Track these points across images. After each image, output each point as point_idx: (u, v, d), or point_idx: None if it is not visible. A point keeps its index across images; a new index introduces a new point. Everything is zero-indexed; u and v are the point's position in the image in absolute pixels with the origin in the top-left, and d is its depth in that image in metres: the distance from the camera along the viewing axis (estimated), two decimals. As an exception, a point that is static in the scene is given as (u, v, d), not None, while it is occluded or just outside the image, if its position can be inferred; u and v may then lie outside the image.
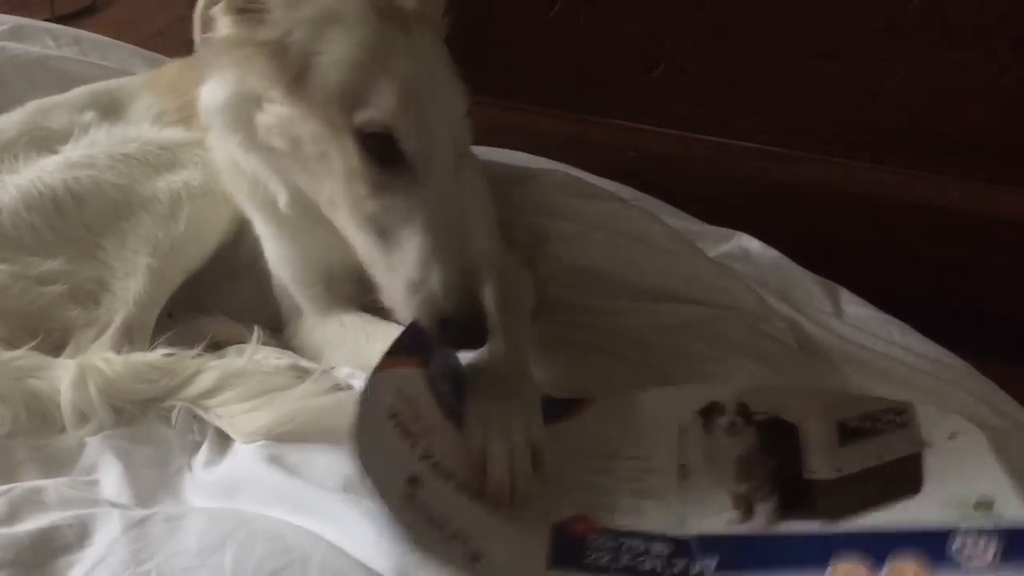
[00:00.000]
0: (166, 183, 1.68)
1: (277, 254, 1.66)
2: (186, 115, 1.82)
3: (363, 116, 1.33)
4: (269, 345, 1.63)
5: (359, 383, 1.50)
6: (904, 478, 1.19)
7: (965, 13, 2.00)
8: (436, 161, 1.35)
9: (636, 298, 1.74)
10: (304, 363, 1.56)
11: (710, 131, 2.26)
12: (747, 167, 2.23)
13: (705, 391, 1.36)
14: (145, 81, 1.96)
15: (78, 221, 1.65)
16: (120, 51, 2.48)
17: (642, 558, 1.16)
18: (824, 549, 1.13)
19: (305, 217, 1.53)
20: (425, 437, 1.21)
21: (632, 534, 1.19)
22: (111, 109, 1.86)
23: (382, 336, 1.49)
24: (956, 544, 1.10)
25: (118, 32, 2.69)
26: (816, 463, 1.24)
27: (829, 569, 1.11)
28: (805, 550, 1.14)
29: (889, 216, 2.15)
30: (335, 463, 1.30)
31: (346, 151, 1.36)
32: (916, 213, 2.12)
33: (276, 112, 1.41)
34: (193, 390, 1.48)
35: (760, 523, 1.19)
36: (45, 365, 1.52)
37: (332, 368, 1.56)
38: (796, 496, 1.21)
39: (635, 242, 1.86)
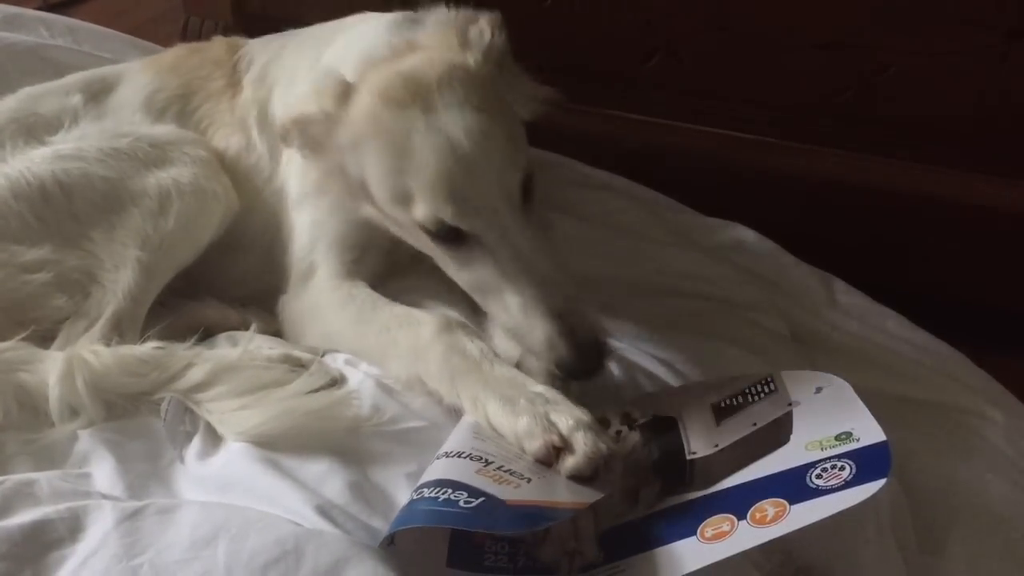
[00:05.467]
0: (156, 179, 1.68)
1: (320, 222, 1.66)
2: (185, 92, 1.83)
3: (414, 216, 1.40)
4: (259, 327, 1.64)
5: (353, 374, 1.50)
6: (775, 436, 1.25)
7: (961, 3, 2.00)
8: (493, 227, 1.37)
9: (631, 292, 1.74)
10: (297, 353, 1.55)
11: (705, 121, 2.25)
12: (743, 158, 2.22)
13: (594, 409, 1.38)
14: (144, 63, 1.96)
15: (66, 211, 1.65)
16: (113, 40, 2.47)
17: (538, 560, 1.21)
18: (695, 513, 1.19)
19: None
20: None
21: (526, 541, 1.23)
22: (101, 91, 1.86)
23: (381, 321, 1.51)
24: (815, 474, 1.15)
25: (111, 20, 2.68)
26: (696, 444, 1.31)
27: (698, 531, 1.15)
28: (676, 521, 1.19)
29: (885, 207, 2.14)
30: (328, 469, 1.32)
31: (423, 240, 1.43)
32: (912, 204, 2.12)
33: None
34: (184, 384, 1.47)
35: (642, 508, 1.25)
36: (34, 358, 1.52)
37: (323, 354, 1.56)
38: (679, 477, 1.27)
39: (629, 235, 1.86)
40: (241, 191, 1.76)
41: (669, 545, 1.17)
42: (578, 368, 1.34)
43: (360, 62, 1.51)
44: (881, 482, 1.11)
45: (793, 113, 2.20)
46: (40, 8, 2.70)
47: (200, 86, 1.86)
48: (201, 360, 1.50)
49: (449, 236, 1.40)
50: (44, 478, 1.33)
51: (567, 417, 1.26)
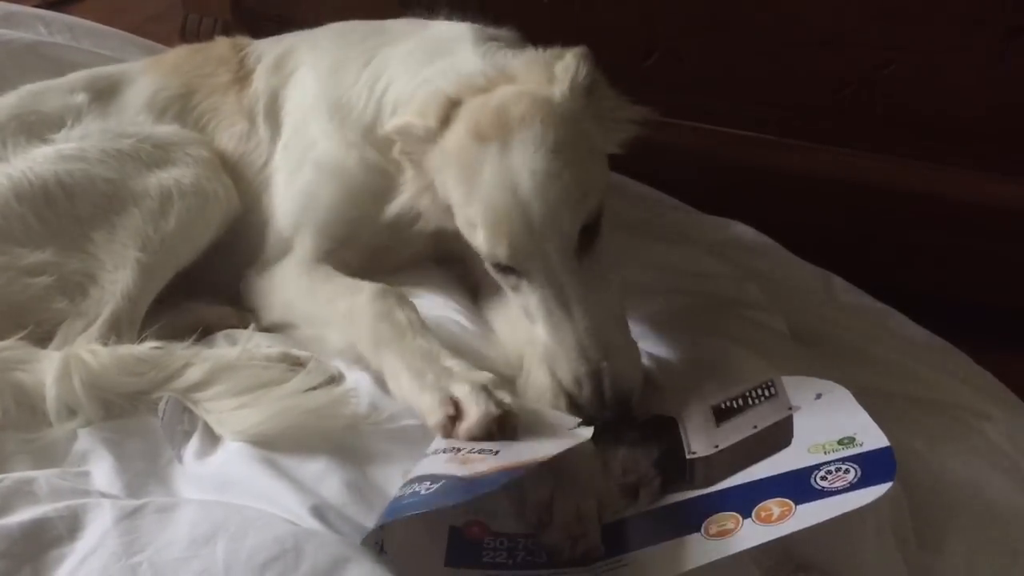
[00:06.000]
0: (157, 180, 1.69)
1: (317, 203, 1.70)
2: (187, 91, 1.83)
3: (477, 244, 1.46)
4: (258, 326, 1.65)
5: (351, 372, 1.50)
6: (775, 439, 1.28)
7: (961, 1, 2.00)
8: (543, 269, 1.41)
9: (631, 290, 1.74)
10: (295, 352, 1.55)
11: (704, 119, 2.25)
12: (741, 155, 2.22)
13: None
14: (147, 64, 1.97)
15: (68, 213, 1.65)
16: (112, 38, 2.47)
17: (537, 554, 1.24)
18: (697, 511, 1.21)
19: (382, 190, 1.63)
20: None
21: (524, 535, 1.26)
22: (107, 91, 1.87)
23: (329, 291, 1.58)
24: (819, 476, 1.17)
25: (110, 18, 2.67)
26: (696, 444, 1.34)
27: (703, 527, 1.18)
28: (679, 517, 1.22)
29: (884, 204, 2.14)
30: (326, 468, 1.32)
31: (479, 258, 1.49)
32: (911, 201, 2.12)
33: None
34: (182, 383, 1.47)
35: (643, 504, 1.28)
36: (31, 357, 1.52)
37: (318, 338, 1.58)
38: (678, 475, 1.30)
39: (628, 233, 1.86)
40: (239, 185, 1.77)
41: (672, 541, 1.18)
42: (595, 415, 1.36)
43: (460, 85, 1.53)
44: (887, 485, 1.12)
45: (793, 111, 2.19)
46: (39, 5, 2.69)
47: (202, 83, 1.87)
48: (199, 360, 1.49)
49: (503, 267, 1.45)
50: (43, 476, 1.32)
51: (463, 384, 1.31)
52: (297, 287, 1.64)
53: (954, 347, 1.83)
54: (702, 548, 1.16)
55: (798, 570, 1.28)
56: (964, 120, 2.06)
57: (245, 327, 1.67)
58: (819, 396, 1.33)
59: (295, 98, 1.79)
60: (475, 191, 1.43)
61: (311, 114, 1.75)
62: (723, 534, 1.16)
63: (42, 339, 1.57)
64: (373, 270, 1.67)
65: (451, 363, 1.38)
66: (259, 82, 1.83)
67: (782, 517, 1.14)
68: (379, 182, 1.66)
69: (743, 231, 2.02)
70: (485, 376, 1.34)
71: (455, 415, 1.29)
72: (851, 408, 1.29)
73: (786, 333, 1.75)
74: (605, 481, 1.30)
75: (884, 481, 1.13)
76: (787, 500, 1.16)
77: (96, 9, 2.84)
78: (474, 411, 1.27)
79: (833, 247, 2.01)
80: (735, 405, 1.38)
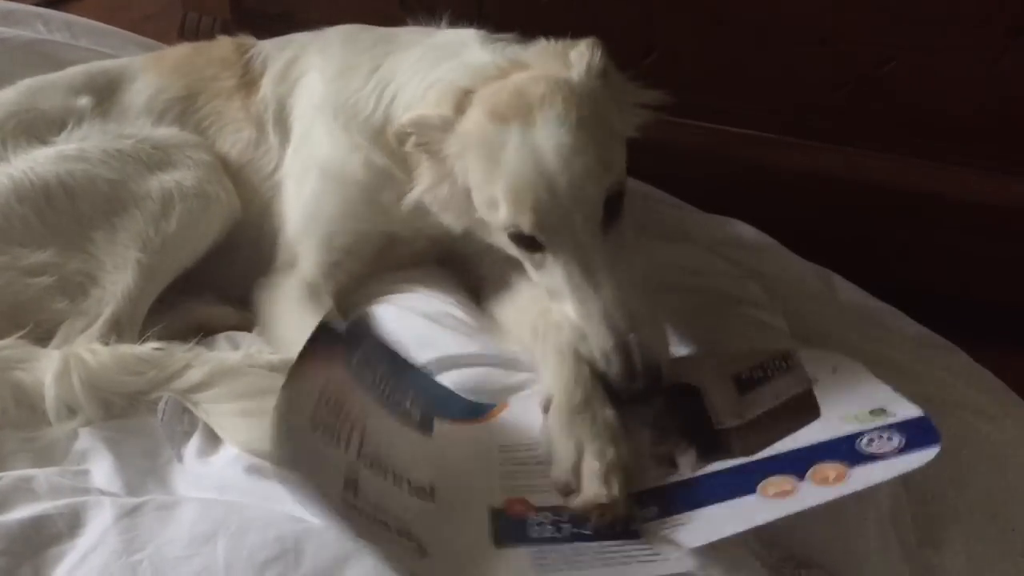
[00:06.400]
0: (159, 182, 1.69)
1: (321, 213, 1.71)
2: (189, 93, 1.83)
3: (499, 220, 1.45)
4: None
5: None
6: (802, 410, 1.32)
7: (960, 0, 2.00)
8: (568, 241, 1.41)
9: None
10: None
11: (704, 117, 2.25)
12: (741, 154, 2.22)
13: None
14: (147, 61, 1.96)
15: (69, 214, 1.65)
16: (111, 35, 2.47)
17: (583, 526, 1.25)
18: (749, 476, 1.25)
19: (385, 197, 1.65)
20: (356, 431, 1.25)
21: (566, 508, 1.27)
22: (107, 92, 1.86)
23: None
24: (864, 442, 1.22)
25: (109, 16, 2.67)
26: (723, 415, 1.36)
27: (758, 489, 1.21)
28: (733, 481, 1.25)
29: (884, 203, 2.14)
30: None
31: (505, 241, 1.49)
32: (911, 200, 2.12)
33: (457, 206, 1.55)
34: (182, 383, 1.47)
35: (686, 472, 1.30)
36: (31, 356, 1.52)
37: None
38: (712, 445, 1.32)
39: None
40: (243, 191, 1.77)
41: (729, 501, 1.22)
42: (626, 388, 1.37)
43: (472, 77, 1.55)
44: (936, 448, 1.18)
45: (792, 109, 2.19)
46: (38, 3, 2.68)
47: (205, 86, 1.86)
48: (200, 362, 1.49)
49: (526, 242, 1.45)
50: (43, 474, 1.32)
51: None
52: (291, 323, 1.61)
53: (954, 346, 1.83)
54: (765, 506, 1.19)
55: (800, 567, 1.28)
56: (964, 119, 2.07)
57: (246, 328, 1.67)
58: (835, 369, 1.37)
59: (302, 103, 1.79)
60: (498, 169, 1.43)
61: (318, 116, 1.75)
62: (783, 495, 1.20)
63: (42, 339, 1.57)
64: (376, 270, 1.69)
65: None
66: (267, 89, 1.83)
67: (839, 479, 1.19)
68: (383, 185, 1.67)
69: (743, 229, 2.02)
70: None
71: None
72: (871, 381, 1.33)
73: (786, 331, 1.75)
74: (636, 450, 1.31)
75: (932, 444, 1.18)
76: (839, 464, 1.20)
77: (95, 7, 2.83)
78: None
79: (833, 246, 2.00)
80: (756, 376, 1.40)
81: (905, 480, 1.43)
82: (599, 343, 1.38)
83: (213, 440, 1.43)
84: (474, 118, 1.48)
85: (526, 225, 1.42)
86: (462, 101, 1.50)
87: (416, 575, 1.15)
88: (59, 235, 1.64)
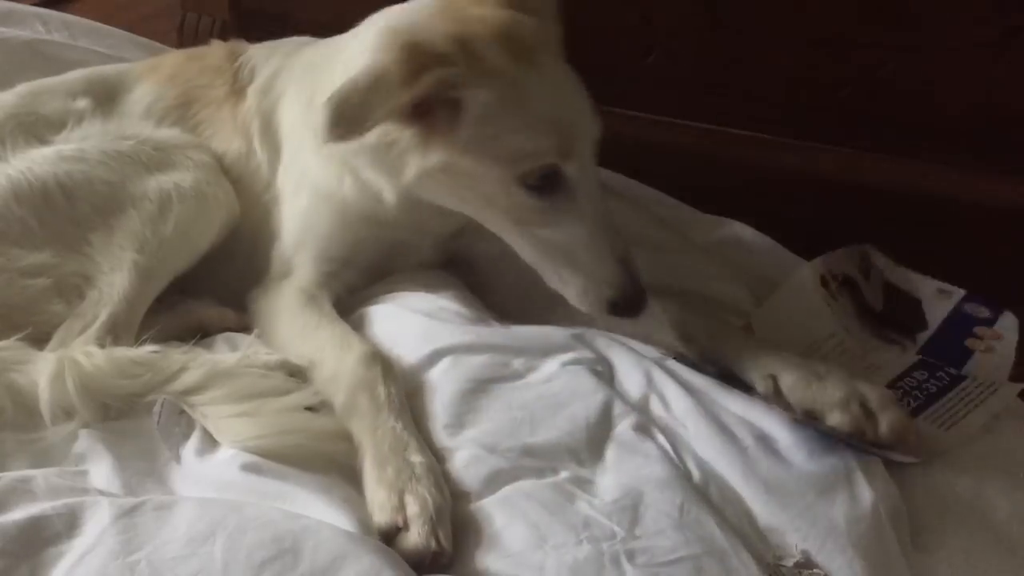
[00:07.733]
0: (157, 183, 1.68)
1: (314, 227, 1.71)
2: (184, 101, 1.82)
3: (525, 166, 1.49)
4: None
5: None
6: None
7: (960, 0, 2.00)
8: (587, 178, 1.53)
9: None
10: (295, 361, 1.54)
11: (703, 118, 2.25)
12: (740, 155, 2.22)
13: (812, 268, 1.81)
14: (143, 69, 1.95)
15: (67, 215, 1.64)
16: (110, 36, 2.47)
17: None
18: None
19: (378, 211, 1.67)
20: None
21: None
22: (106, 97, 1.85)
23: (320, 340, 1.56)
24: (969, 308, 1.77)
25: (108, 16, 2.67)
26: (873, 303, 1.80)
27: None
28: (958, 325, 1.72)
29: (883, 204, 2.14)
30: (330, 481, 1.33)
31: (511, 194, 1.51)
32: (910, 201, 2.12)
33: (434, 164, 1.52)
34: (177, 386, 1.47)
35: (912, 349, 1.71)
36: (27, 358, 1.51)
37: None
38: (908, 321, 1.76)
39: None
40: (239, 195, 1.77)
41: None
42: (635, 299, 1.52)
43: (412, 20, 1.55)
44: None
45: (791, 110, 2.20)
46: (37, 3, 2.68)
47: (199, 94, 1.86)
48: (196, 364, 1.49)
49: (545, 185, 1.50)
50: (41, 475, 1.32)
51: (418, 500, 1.28)
52: (291, 327, 1.61)
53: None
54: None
55: (799, 567, 1.28)
56: (963, 120, 2.07)
57: (244, 329, 1.67)
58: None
59: (287, 121, 1.78)
60: (523, 111, 1.49)
61: (305, 137, 1.71)
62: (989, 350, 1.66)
63: (40, 340, 1.56)
64: (375, 279, 1.70)
65: (417, 459, 1.34)
66: (252, 100, 1.81)
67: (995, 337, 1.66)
68: (373, 205, 1.66)
69: (741, 230, 2.02)
70: (440, 499, 1.30)
71: (401, 527, 1.27)
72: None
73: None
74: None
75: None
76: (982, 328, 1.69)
77: (94, 7, 2.84)
78: (416, 536, 1.25)
79: (833, 246, 2.00)
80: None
81: (902, 484, 1.44)
82: (612, 267, 1.51)
83: (211, 439, 1.43)
84: (492, 63, 1.48)
85: (563, 161, 1.49)
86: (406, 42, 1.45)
87: None
88: (56, 237, 1.63)
